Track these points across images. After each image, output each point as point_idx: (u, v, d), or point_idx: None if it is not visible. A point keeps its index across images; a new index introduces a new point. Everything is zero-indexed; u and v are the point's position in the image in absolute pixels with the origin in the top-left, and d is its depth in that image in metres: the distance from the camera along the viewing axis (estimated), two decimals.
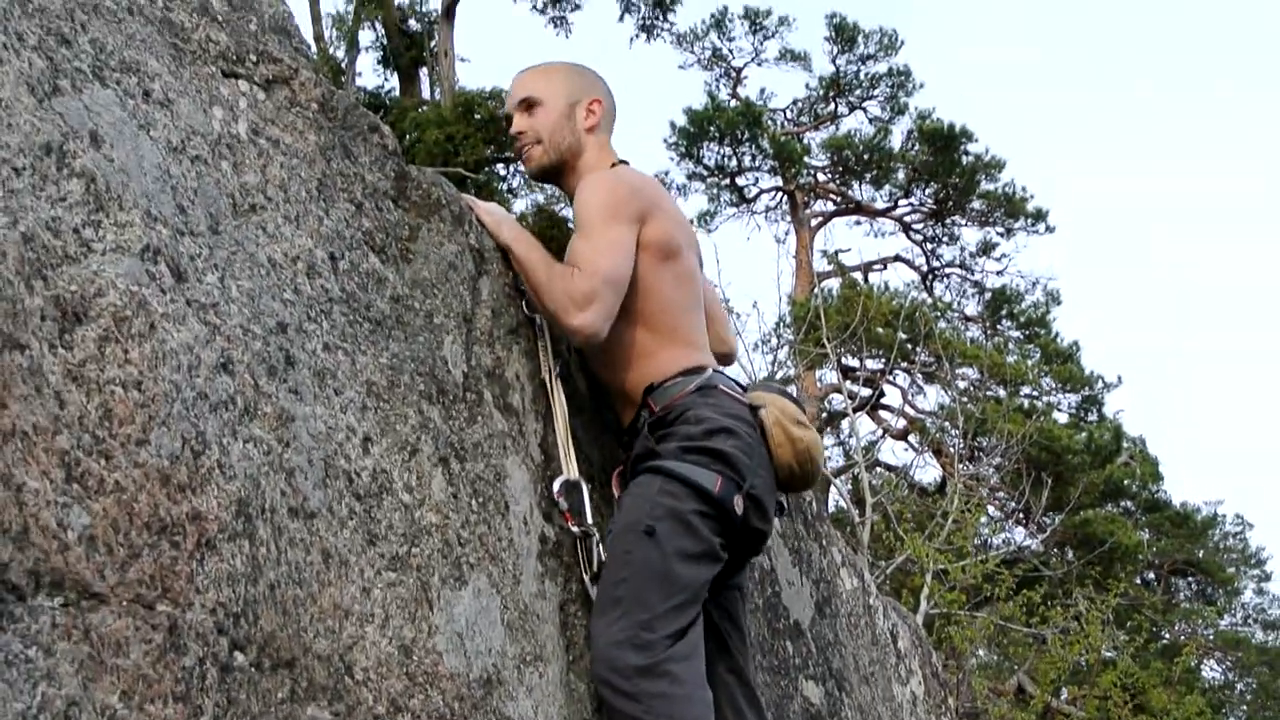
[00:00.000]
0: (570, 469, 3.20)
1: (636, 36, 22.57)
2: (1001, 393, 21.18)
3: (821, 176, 26.71)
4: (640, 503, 3.08)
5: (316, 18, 18.99)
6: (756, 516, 3.17)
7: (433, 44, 20.06)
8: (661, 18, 22.39)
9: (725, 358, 3.68)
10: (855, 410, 19.86)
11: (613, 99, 3.59)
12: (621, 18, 22.08)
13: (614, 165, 3.43)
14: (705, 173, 25.94)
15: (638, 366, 3.27)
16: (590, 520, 3.15)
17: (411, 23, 20.65)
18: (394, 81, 21.27)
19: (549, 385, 3.24)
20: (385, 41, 20.55)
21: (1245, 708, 27.81)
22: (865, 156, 25.65)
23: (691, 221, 3.90)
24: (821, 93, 26.81)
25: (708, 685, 2.99)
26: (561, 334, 3.23)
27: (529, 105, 3.45)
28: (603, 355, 3.32)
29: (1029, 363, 24.07)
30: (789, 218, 26.30)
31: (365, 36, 20.92)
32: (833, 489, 15.91)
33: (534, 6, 21.54)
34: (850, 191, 26.59)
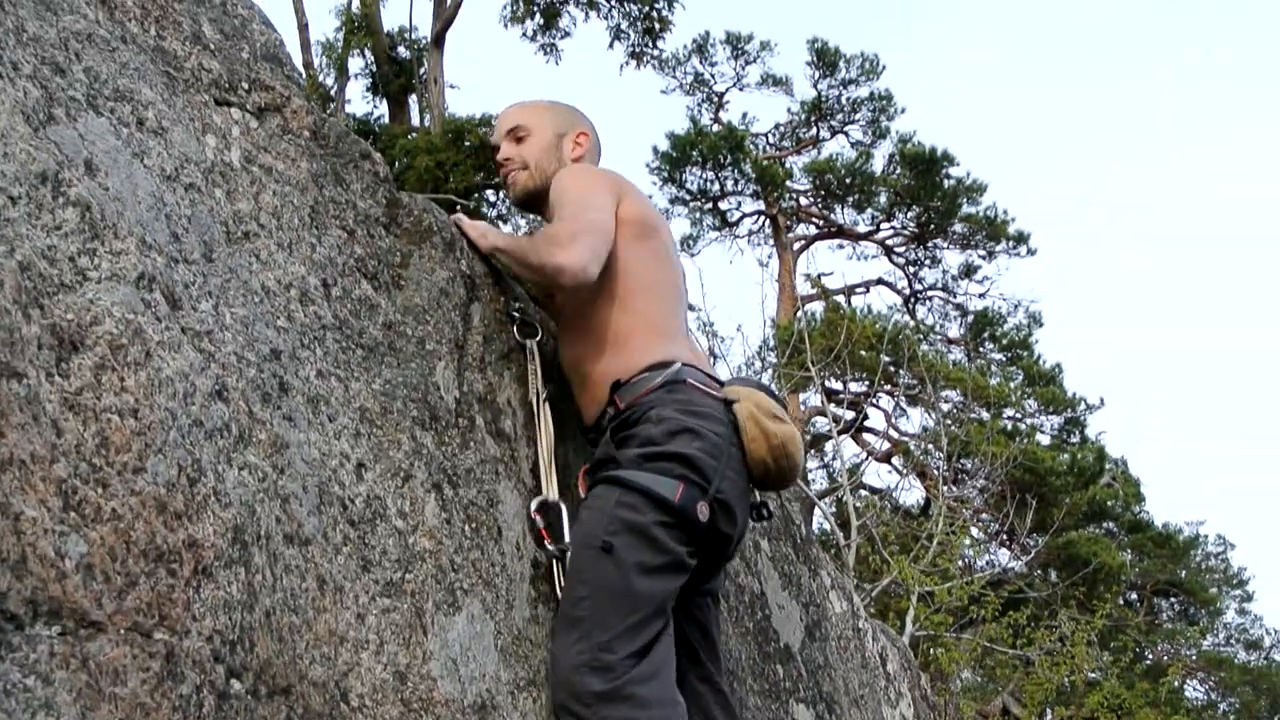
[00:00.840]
0: (551, 490, 3.15)
1: (626, 64, 22.59)
2: (985, 415, 21.23)
3: (804, 200, 26.79)
4: (597, 516, 2.96)
5: (306, 45, 18.99)
6: (724, 520, 3.04)
7: (422, 71, 20.09)
8: (651, 45, 22.41)
9: None
10: (839, 433, 19.86)
11: (598, 136, 3.59)
12: (611, 45, 22.09)
13: None
14: (688, 197, 26.01)
15: (607, 358, 3.19)
16: (568, 540, 3.09)
17: (401, 50, 20.67)
18: (384, 108, 21.29)
19: (536, 407, 3.21)
20: (375, 69, 20.57)
21: None
22: (847, 180, 25.72)
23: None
24: (803, 117, 26.92)
25: (678, 698, 2.88)
26: (553, 285, 3.21)
27: (517, 135, 3.47)
28: (575, 343, 3.27)
29: (1011, 385, 24.12)
30: (772, 241, 26.38)
31: (355, 64, 20.95)
32: (817, 511, 15.91)
33: (524, 34, 21.57)
34: (832, 215, 26.66)
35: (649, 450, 2.99)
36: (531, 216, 3.65)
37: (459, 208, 3.29)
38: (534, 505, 3.11)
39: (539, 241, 3.13)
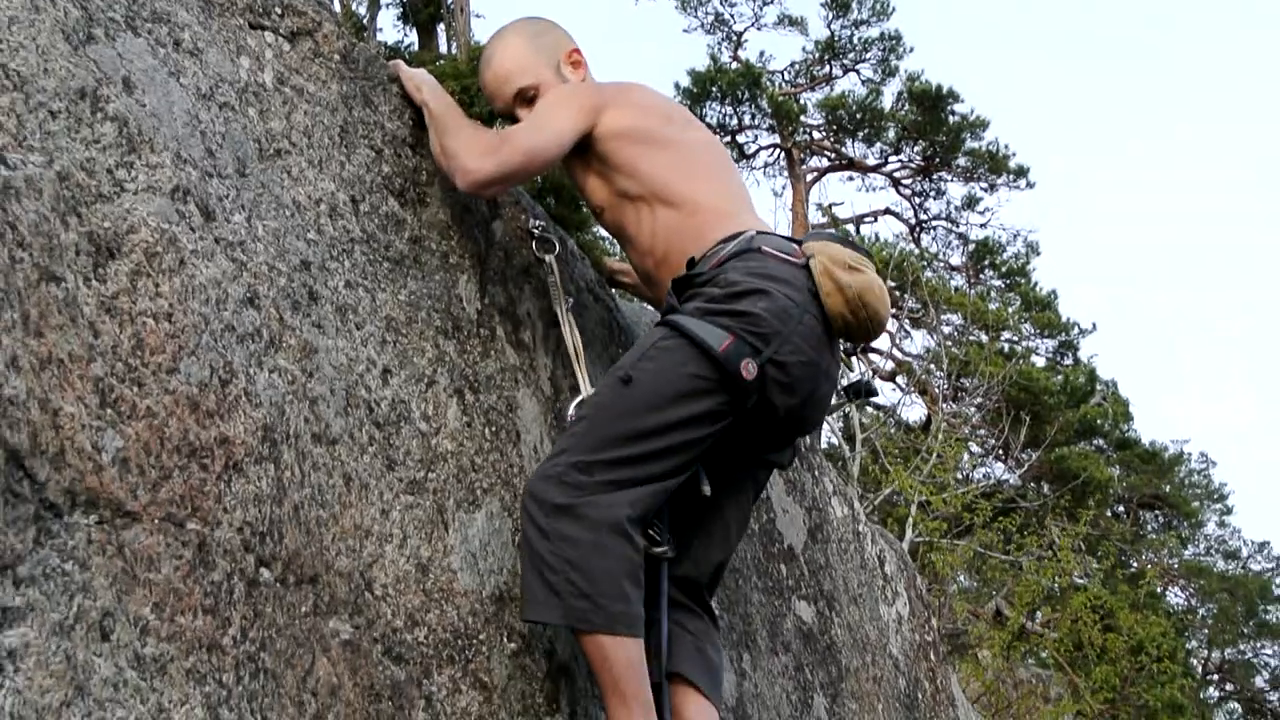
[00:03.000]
0: (586, 389, 2.96)
1: None
2: (983, 337, 21.20)
3: (817, 134, 26.57)
4: (635, 352, 2.79)
5: None
6: (778, 390, 2.72)
7: (449, 1, 19.93)
8: None
9: None
10: (847, 353, 19.80)
11: (574, 41, 3.28)
12: None
13: None
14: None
15: (676, 248, 2.95)
16: None
17: None
18: (413, 37, 21.10)
19: (561, 317, 3.11)
20: None
21: (1206, 631, 27.95)
22: (858, 116, 25.51)
23: None
24: (817, 55, 26.63)
25: (636, 572, 2.58)
26: (446, 174, 2.89)
27: (525, 95, 3.13)
28: (645, 253, 3.06)
29: (1009, 310, 24.03)
30: (786, 173, 26.19)
31: None
32: (825, 426, 15.92)
33: None
34: (843, 149, 26.44)
35: (710, 305, 2.74)
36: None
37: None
38: (572, 408, 2.90)
39: (466, 131, 2.87)
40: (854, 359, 3.23)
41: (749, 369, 2.66)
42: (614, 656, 2.53)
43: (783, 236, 2.99)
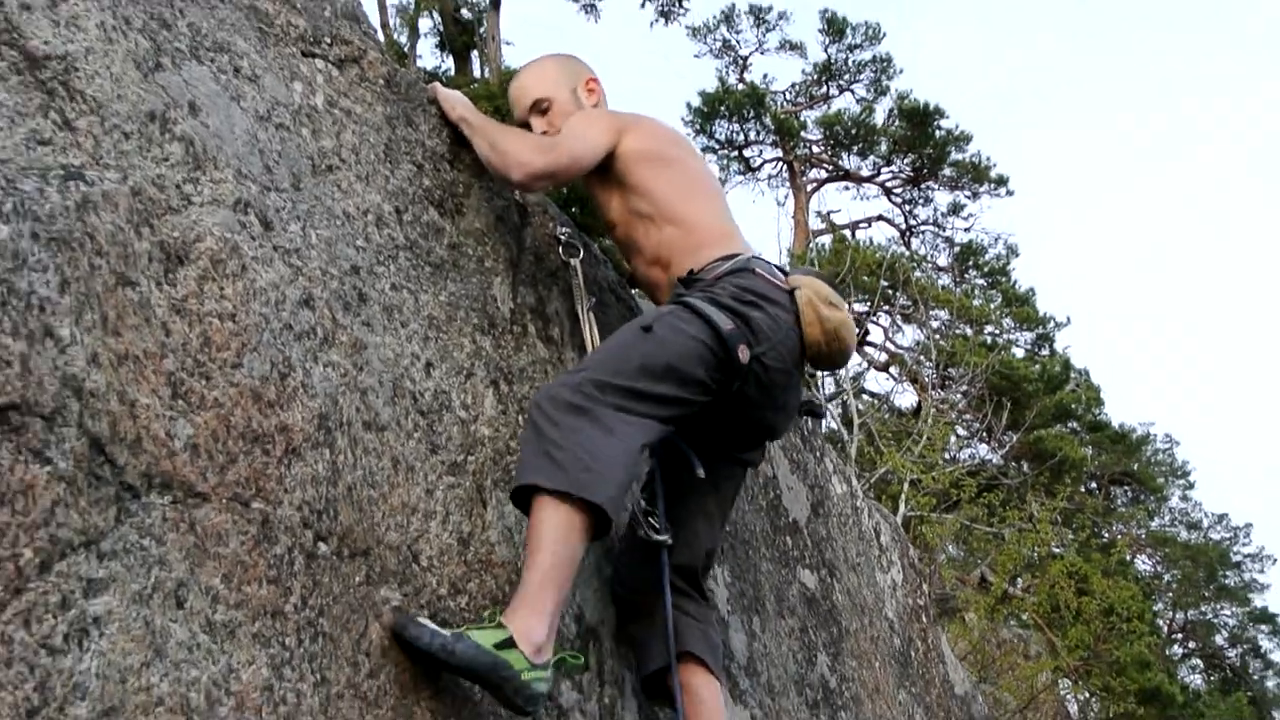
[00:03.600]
0: None
1: (656, 21, 22.33)
2: (968, 331, 21.08)
3: (816, 149, 26.45)
4: (652, 314, 2.82)
5: (382, 8, 18.87)
6: (756, 389, 2.80)
7: (482, 30, 19.92)
8: (677, 4, 22.11)
9: None
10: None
11: (595, 75, 3.37)
12: (643, 4, 21.87)
13: None
14: (716, 146, 25.71)
15: (677, 259, 2.99)
16: None
17: (464, 12, 20.44)
18: (449, 63, 21.09)
19: (582, 317, 3.12)
20: (442, 29, 20.37)
21: (1170, 594, 27.84)
22: (853, 131, 25.40)
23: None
24: (815, 77, 26.52)
25: (635, 460, 2.56)
26: (501, 176, 2.92)
27: (540, 107, 3.22)
28: (649, 264, 3.10)
29: (992, 306, 23.89)
30: (788, 184, 26.09)
31: (424, 24, 20.75)
32: (827, 414, 15.88)
33: None
34: (840, 161, 26.31)
35: (717, 299, 2.80)
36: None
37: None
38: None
39: (513, 136, 2.93)
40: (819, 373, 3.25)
41: (744, 353, 2.73)
42: (570, 537, 2.41)
43: (772, 264, 3.04)
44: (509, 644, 2.27)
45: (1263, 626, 29.77)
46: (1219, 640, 29.62)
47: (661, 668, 2.83)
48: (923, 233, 26.73)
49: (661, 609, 2.79)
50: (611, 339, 2.80)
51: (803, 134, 25.88)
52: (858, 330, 20.81)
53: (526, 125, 3.24)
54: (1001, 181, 25.41)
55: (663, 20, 22.36)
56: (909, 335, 22.91)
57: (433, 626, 2.21)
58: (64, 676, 1.52)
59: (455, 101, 2.98)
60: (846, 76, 26.34)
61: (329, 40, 2.62)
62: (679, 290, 2.91)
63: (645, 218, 3.08)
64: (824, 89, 26.68)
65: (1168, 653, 25.51)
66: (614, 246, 3.35)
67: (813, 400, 3.11)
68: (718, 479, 2.99)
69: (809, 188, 26.24)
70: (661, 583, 2.79)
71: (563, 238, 3.19)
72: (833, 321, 2.90)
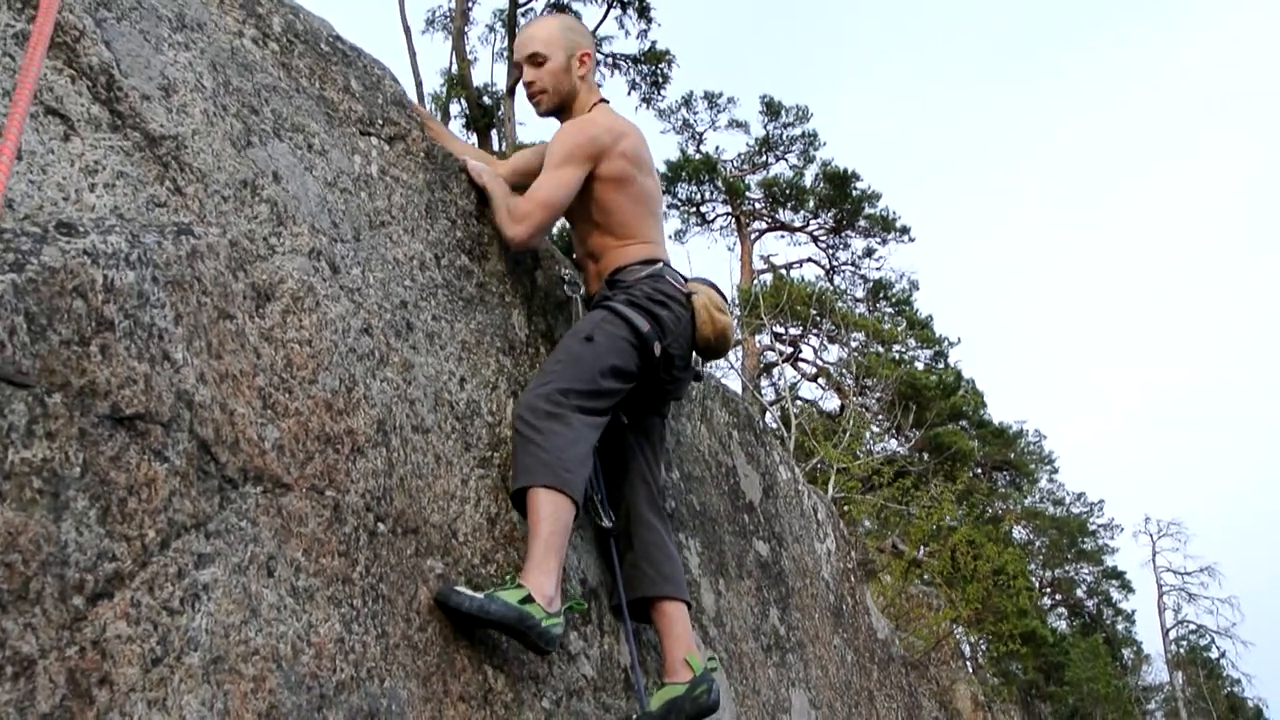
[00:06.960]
0: None
1: (639, 107, 22.45)
2: (880, 349, 21.18)
3: (758, 205, 26.52)
4: (588, 322, 2.83)
5: (420, 97, 18.82)
6: (666, 367, 2.88)
7: (500, 113, 19.94)
8: (656, 92, 22.27)
9: None
10: (783, 361, 19.87)
11: (594, 46, 3.24)
12: (629, 93, 22.01)
13: (596, 104, 3.11)
14: (679, 204, 25.76)
15: (608, 257, 3.01)
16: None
17: (485, 99, 20.48)
18: (474, 139, 21.12)
19: None
20: (468, 111, 20.37)
21: (1041, 557, 28.01)
22: (787, 191, 25.51)
23: (670, 237, 3.60)
24: (757, 149, 26.59)
25: (590, 455, 2.65)
26: (510, 246, 2.93)
27: (536, 60, 3.06)
28: (591, 252, 3.08)
29: (898, 329, 24.00)
30: (735, 233, 26.13)
31: (454, 108, 20.74)
32: (767, 414, 15.88)
33: None
34: (777, 215, 26.37)
35: (635, 302, 2.87)
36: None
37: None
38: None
39: (503, 208, 2.90)
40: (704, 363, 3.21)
41: (658, 348, 2.83)
42: (561, 515, 2.47)
43: (679, 272, 3.06)
44: (528, 600, 2.30)
45: (1113, 581, 29.99)
46: (1079, 593, 29.76)
47: (642, 597, 2.85)
48: (843, 271, 26.81)
49: (632, 551, 2.88)
50: (562, 349, 2.79)
51: (747, 194, 25.97)
52: (789, 350, 21.03)
53: (522, 67, 3.12)
54: (905, 230, 25.53)
55: (645, 105, 22.50)
56: (834, 353, 22.98)
57: (469, 592, 2.22)
58: (180, 632, 1.51)
59: (480, 170, 2.97)
60: (781, 148, 26.45)
61: (381, 122, 2.62)
62: (605, 292, 2.96)
63: (596, 223, 3.03)
64: (764, 158, 26.78)
65: (1040, 604, 25.60)
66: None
67: (696, 368, 3.10)
68: (647, 429, 3.05)
69: (752, 236, 26.31)
70: (611, 556, 2.88)
71: (566, 277, 3.19)
72: (720, 324, 2.97)
